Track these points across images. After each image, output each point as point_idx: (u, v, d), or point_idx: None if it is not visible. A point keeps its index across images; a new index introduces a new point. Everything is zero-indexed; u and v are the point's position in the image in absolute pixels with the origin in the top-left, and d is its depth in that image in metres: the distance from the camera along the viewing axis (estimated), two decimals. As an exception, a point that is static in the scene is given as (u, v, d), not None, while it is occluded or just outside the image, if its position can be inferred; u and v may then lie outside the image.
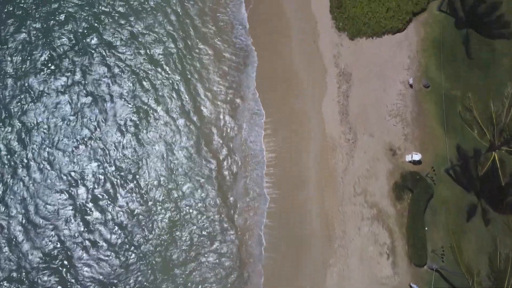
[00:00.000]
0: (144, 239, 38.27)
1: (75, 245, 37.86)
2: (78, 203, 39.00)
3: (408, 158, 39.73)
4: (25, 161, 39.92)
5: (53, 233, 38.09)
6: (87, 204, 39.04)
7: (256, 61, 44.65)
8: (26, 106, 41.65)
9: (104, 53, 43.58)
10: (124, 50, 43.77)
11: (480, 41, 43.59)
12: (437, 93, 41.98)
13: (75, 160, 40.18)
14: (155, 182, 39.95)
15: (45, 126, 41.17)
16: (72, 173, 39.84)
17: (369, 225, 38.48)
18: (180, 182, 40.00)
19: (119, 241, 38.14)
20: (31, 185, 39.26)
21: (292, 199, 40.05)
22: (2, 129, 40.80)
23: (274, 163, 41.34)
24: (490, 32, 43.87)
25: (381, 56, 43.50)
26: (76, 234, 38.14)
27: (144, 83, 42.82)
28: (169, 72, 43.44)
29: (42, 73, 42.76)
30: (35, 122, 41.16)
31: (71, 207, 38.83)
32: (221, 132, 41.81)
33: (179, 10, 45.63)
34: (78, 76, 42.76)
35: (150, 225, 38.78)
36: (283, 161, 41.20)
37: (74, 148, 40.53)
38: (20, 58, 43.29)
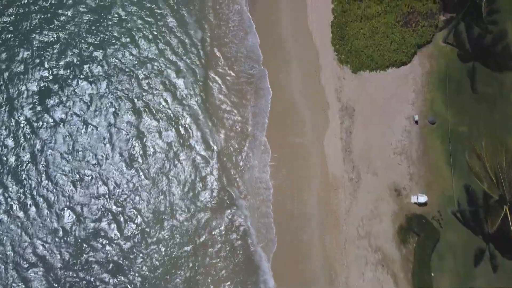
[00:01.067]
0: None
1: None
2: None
3: (414, 199, 38.28)
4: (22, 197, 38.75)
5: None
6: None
7: (254, 94, 43.46)
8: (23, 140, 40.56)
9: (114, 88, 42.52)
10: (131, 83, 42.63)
11: (487, 74, 42.18)
12: (443, 129, 40.56)
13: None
14: (154, 216, 38.77)
15: (42, 160, 39.94)
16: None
17: (373, 271, 37.01)
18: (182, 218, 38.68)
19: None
20: (26, 222, 38.03)
21: (292, 242, 38.57)
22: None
23: (273, 203, 39.92)
24: (497, 65, 42.47)
25: (385, 90, 42.11)
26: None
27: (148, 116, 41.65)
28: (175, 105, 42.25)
29: (40, 105, 41.61)
30: (30, 157, 39.92)
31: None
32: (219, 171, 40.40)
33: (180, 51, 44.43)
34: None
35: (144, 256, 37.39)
36: (282, 201, 39.73)
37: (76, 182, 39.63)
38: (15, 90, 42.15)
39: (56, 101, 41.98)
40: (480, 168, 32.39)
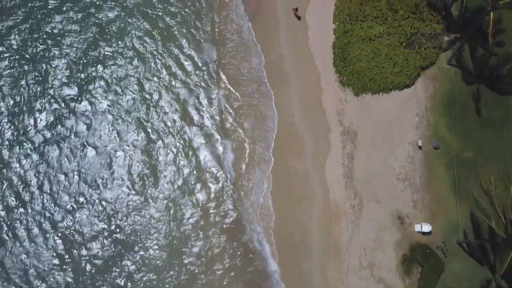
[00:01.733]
0: None
1: None
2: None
3: (417, 228, 37.24)
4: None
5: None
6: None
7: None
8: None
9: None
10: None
11: (492, 97, 41.16)
12: (447, 155, 39.55)
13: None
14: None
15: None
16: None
17: (376, 303, 35.93)
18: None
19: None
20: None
21: (293, 271, 37.54)
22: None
23: (273, 229, 38.92)
24: (503, 88, 41.48)
25: (388, 113, 41.12)
26: None
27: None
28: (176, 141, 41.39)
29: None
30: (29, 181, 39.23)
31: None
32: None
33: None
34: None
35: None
36: (283, 228, 38.70)
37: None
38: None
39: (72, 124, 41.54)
40: (488, 205, 31.29)
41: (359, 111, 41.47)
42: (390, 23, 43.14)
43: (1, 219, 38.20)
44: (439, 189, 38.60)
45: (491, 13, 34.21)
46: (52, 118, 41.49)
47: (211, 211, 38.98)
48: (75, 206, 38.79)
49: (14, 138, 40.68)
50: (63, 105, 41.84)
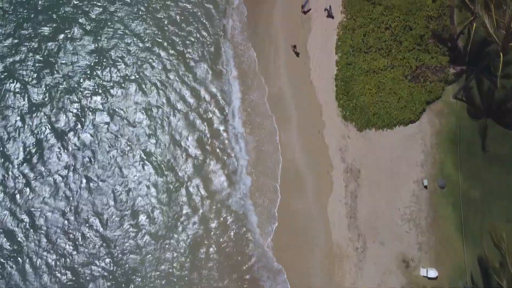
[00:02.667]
0: None
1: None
2: None
3: (423, 273, 35.98)
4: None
5: None
6: None
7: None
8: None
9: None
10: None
11: (501, 133, 39.85)
12: (454, 194, 38.24)
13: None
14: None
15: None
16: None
17: None
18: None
19: None
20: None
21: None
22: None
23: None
24: (511, 123, 40.16)
25: (392, 150, 39.85)
26: None
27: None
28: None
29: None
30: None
31: None
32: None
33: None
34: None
35: None
36: (283, 271, 37.51)
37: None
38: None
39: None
40: (500, 265, 30.00)
41: (362, 147, 40.24)
42: (394, 55, 41.89)
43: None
44: (445, 231, 37.32)
45: (501, 56, 32.93)
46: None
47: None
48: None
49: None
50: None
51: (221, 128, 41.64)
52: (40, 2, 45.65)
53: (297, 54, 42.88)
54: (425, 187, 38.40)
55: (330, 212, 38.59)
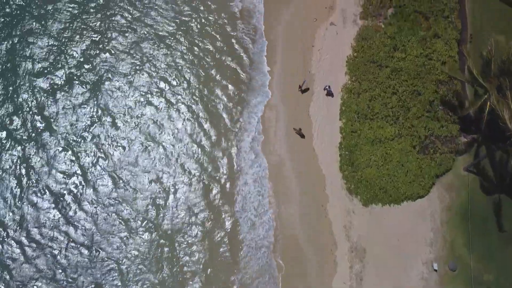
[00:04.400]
0: None
1: None
2: None
3: None
4: None
5: None
6: None
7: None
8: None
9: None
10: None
11: (515, 209, 37.65)
12: (466, 277, 36.04)
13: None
14: None
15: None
16: None
17: None
18: None
19: None
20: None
21: None
22: None
23: None
24: (526, 197, 37.92)
25: (400, 227, 37.64)
26: None
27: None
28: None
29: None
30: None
31: None
32: None
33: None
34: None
35: None
36: None
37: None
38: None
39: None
40: None
41: (368, 223, 38.01)
42: (402, 123, 39.69)
43: None
44: (457, 320, 35.10)
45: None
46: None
47: None
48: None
49: None
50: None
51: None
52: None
53: (303, 136, 40.48)
54: (435, 270, 36.13)
55: (334, 297, 36.35)
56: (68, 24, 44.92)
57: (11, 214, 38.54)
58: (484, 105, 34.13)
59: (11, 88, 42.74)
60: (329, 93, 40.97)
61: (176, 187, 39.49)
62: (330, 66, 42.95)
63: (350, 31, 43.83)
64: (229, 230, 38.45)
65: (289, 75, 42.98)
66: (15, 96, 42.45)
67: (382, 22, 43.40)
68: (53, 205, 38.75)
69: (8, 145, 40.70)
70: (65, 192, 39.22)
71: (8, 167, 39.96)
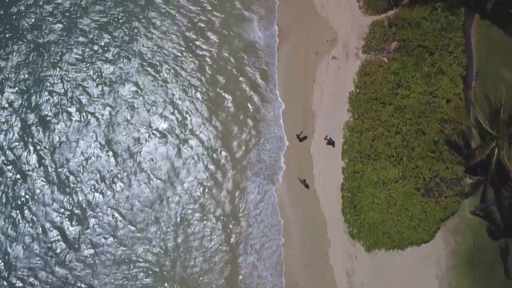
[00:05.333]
0: None
1: None
2: None
3: None
4: None
5: None
6: None
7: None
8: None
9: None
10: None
11: (523, 255, 36.52)
12: (472, 329, 34.95)
13: None
14: None
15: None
16: None
17: None
18: None
19: None
20: None
21: None
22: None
23: None
24: (535, 242, 36.80)
25: (404, 274, 36.56)
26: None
27: None
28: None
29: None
30: None
31: None
32: None
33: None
34: None
35: None
36: None
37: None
38: None
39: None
40: None
41: (371, 270, 36.95)
42: (405, 164, 38.58)
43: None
44: None
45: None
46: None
47: None
48: None
49: None
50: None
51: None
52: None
53: (307, 186, 39.38)
54: (441, 320, 35.11)
55: None
56: (79, 65, 44.39)
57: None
58: (492, 153, 32.99)
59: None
60: (330, 143, 39.85)
61: (182, 226, 38.52)
62: (331, 102, 41.92)
63: (352, 66, 42.73)
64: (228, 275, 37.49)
65: (290, 111, 41.94)
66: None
67: (385, 56, 42.22)
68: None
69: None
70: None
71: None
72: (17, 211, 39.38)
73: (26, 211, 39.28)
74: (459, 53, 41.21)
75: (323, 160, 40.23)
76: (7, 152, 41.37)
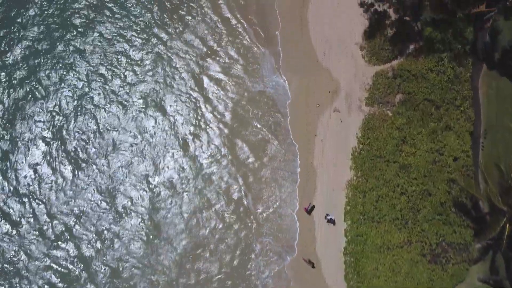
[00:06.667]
0: None
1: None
2: None
3: None
4: None
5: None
6: None
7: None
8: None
9: None
10: None
11: (533, 324, 35.01)
12: None
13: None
14: None
15: None
16: None
17: None
18: None
19: None
20: None
21: None
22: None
23: None
24: (545, 309, 35.28)
25: None
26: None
27: None
28: None
29: None
30: None
31: None
32: None
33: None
34: None
35: None
36: None
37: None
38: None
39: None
40: None
41: None
42: (411, 228, 37.09)
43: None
44: None
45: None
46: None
47: None
48: None
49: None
50: None
51: None
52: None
53: (313, 266, 37.80)
54: None
55: None
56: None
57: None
58: (504, 229, 31.45)
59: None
60: (331, 221, 38.24)
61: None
62: (333, 159, 40.32)
63: (355, 119, 41.10)
64: None
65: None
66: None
67: (389, 110, 40.58)
68: None
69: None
70: None
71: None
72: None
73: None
74: (466, 106, 39.58)
75: (325, 221, 38.67)
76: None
